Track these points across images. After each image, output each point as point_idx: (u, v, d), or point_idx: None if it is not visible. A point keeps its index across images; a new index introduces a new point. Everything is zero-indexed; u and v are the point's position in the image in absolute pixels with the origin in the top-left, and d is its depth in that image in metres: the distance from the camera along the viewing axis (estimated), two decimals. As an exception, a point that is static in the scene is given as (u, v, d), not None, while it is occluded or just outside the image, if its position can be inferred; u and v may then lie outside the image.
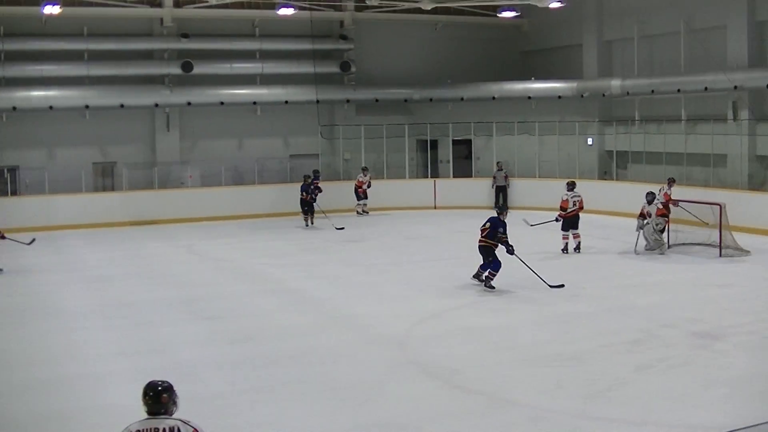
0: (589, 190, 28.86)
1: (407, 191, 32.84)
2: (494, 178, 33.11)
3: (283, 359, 13.42)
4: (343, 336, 14.86)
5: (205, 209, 31.17)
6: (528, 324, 15.44)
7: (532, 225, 22.18)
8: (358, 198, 31.71)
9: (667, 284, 18.76)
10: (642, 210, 22.46)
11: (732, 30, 29.00)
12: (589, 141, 34.27)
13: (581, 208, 22.87)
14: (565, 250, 22.61)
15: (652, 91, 31.33)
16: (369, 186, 31.69)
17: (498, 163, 33.34)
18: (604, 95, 33.49)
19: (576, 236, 22.73)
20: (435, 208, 33.13)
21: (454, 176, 35.05)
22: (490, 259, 18.09)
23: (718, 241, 21.83)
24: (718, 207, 21.88)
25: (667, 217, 22.62)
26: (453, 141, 35.28)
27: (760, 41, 28.70)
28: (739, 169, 28.35)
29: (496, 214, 18.60)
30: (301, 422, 10.69)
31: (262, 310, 16.97)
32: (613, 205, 29.66)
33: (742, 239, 22.28)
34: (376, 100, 35.76)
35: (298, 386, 12.12)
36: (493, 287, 17.98)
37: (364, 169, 31.92)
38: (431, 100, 36.17)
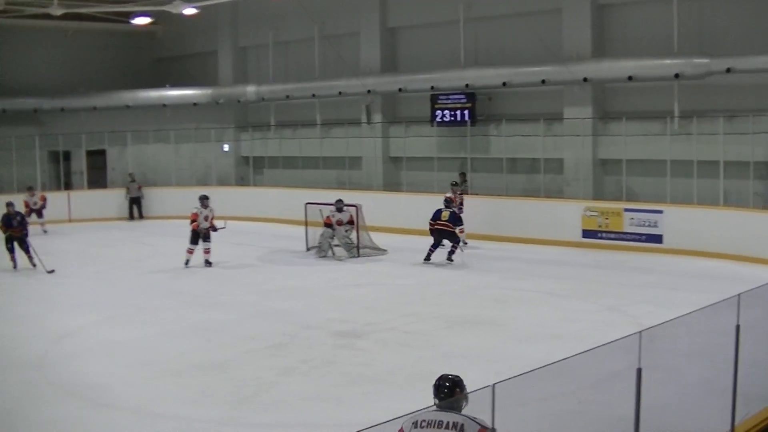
0: (227, 196, 28.88)
1: (40, 204, 31.27)
2: (127, 189, 32.33)
3: None
4: (-27, 361, 13.81)
5: None
6: (170, 335, 14.96)
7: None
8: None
9: (308, 287, 18.93)
10: (328, 219, 22.27)
11: (365, 36, 29.91)
12: (226, 147, 34.35)
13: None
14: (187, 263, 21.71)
15: (288, 96, 31.76)
16: (43, 206, 29.38)
17: (130, 174, 32.57)
18: (239, 101, 33.62)
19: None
20: (70, 221, 31.82)
21: (88, 188, 33.89)
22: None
23: (356, 241, 22.33)
24: (355, 208, 22.36)
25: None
26: (87, 152, 34.11)
27: (392, 47, 29.75)
28: (373, 171, 29.21)
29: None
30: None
31: None
32: (251, 210, 29.76)
33: (378, 239, 22.90)
34: (4, 111, 33.94)
35: None
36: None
37: (30, 188, 29.76)
38: (63, 109, 34.79)
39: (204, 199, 21.69)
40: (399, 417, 5.64)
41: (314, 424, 10.29)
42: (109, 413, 11.11)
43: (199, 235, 21.42)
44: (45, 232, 28.84)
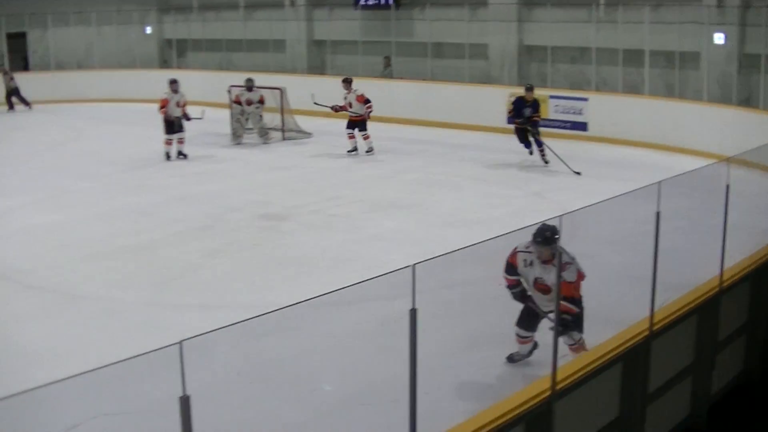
0: (150, 79, 28.44)
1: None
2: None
3: None
4: None
5: None
6: (95, 218, 14.88)
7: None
8: None
9: (232, 170, 18.86)
10: (237, 98, 21.95)
11: None
12: (148, 30, 33.62)
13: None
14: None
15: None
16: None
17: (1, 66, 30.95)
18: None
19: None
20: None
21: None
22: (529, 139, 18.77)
23: (281, 124, 22.25)
24: (279, 91, 22.22)
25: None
26: (6, 35, 33.04)
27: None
28: (297, 54, 28.97)
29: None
30: None
31: None
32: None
33: (303, 122, 22.82)
34: None
35: None
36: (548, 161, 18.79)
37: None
38: (-21, -10, 33.65)
39: (173, 83, 20.08)
40: (324, 294, 5.70)
41: (238, 305, 10.34)
42: (37, 295, 11.12)
43: (173, 123, 20.00)
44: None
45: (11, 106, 28.95)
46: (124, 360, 4.47)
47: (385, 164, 19.18)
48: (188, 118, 20.05)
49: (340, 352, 8.62)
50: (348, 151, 20.26)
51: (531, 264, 7.74)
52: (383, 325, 8.75)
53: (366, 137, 20.21)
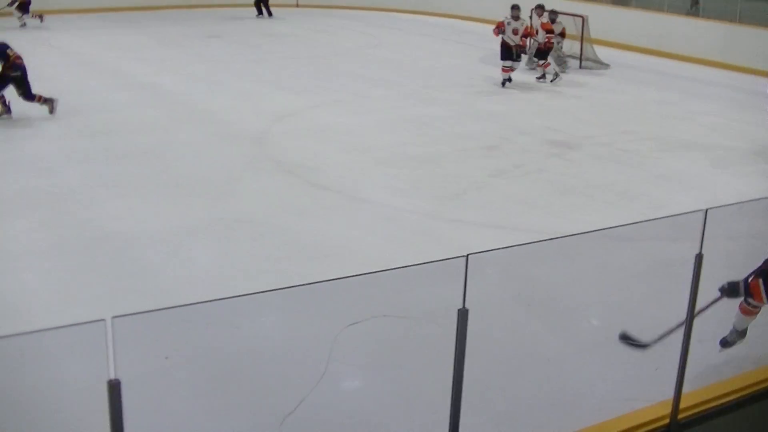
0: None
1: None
2: None
3: (139, 154, 13.05)
4: (200, 131, 14.52)
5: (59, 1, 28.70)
6: (385, 125, 15.36)
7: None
8: None
9: (525, 93, 18.85)
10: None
11: None
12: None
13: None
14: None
15: None
16: None
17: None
18: None
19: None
20: (297, 5, 32.31)
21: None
22: None
23: (579, 52, 22.01)
24: (581, 19, 21.95)
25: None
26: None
27: None
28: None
29: None
30: (158, 215, 10.47)
31: (116, 105, 16.25)
32: (470, 9, 29.47)
33: (602, 52, 22.46)
34: None
35: (155, 180, 11.85)
36: None
37: None
38: None
39: (514, 9, 19.36)
40: (605, 228, 5.70)
41: (517, 228, 10.42)
42: (321, 193, 11.61)
43: (511, 50, 19.15)
44: None
45: (260, 12, 29.83)
46: (407, 266, 4.65)
47: (679, 105, 18.61)
48: (524, 51, 19.82)
49: (613, 288, 8.58)
50: (537, 78, 20.24)
51: None
52: (666, 266, 8.63)
53: (545, 65, 20.14)
